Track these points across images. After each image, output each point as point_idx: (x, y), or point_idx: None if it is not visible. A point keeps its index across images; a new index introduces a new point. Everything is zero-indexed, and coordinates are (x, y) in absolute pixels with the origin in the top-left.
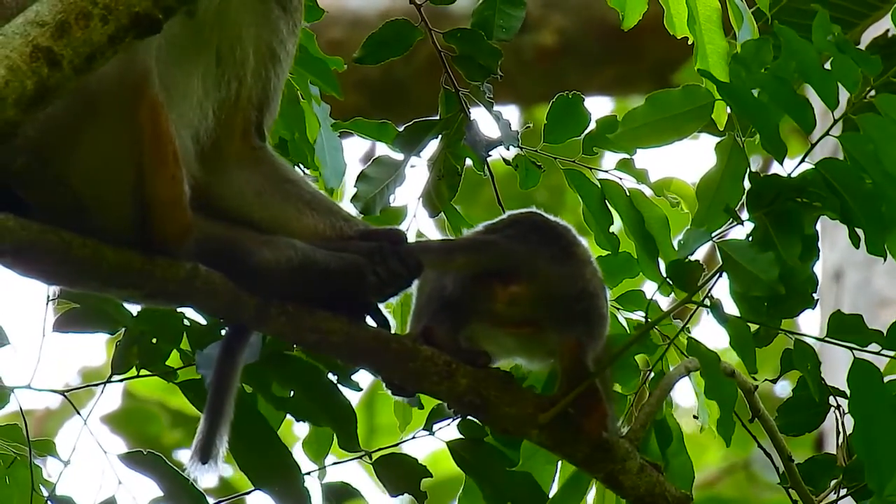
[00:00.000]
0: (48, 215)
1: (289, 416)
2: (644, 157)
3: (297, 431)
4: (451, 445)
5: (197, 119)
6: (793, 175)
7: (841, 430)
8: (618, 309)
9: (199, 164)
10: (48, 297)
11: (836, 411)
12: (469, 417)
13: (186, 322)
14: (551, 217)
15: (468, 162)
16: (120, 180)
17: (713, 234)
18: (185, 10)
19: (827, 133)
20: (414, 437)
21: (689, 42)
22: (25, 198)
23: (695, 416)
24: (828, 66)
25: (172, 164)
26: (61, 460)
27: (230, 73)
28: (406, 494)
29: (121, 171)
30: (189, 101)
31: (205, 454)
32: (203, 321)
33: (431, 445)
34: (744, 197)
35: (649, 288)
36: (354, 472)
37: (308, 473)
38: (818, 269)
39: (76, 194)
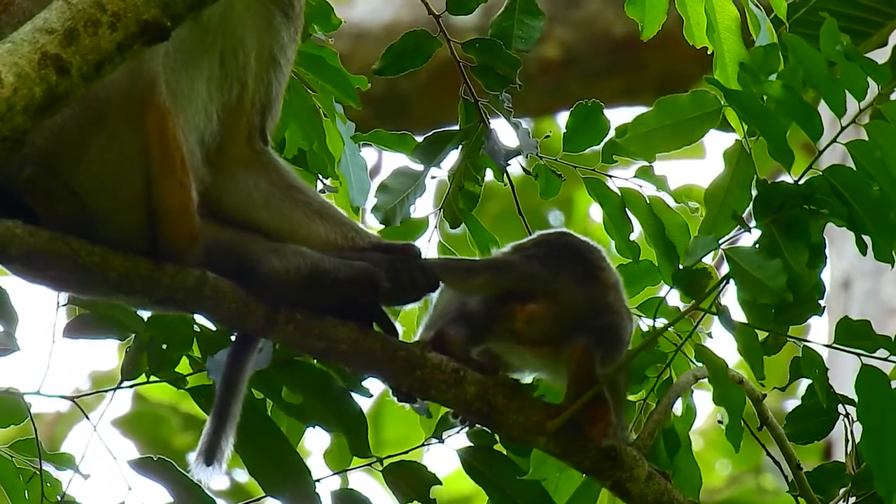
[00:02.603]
0: (57, 223)
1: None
2: (663, 164)
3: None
4: (461, 453)
5: (202, 122)
6: (800, 182)
7: (849, 437)
8: (640, 316)
9: (206, 169)
10: (58, 302)
11: (846, 419)
12: (478, 426)
13: (197, 328)
14: (581, 238)
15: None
16: (128, 188)
17: (722, 241)
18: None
19: (834, 140)
20: (423, 445)
21: (709, 52)
22: (34, 207)
23: (720, 422)
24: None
25: (180, 170)
26: (81, 474)
27: (233, 76)
28: (416, 502)
29: (129, 178)
30: (194, 105)
31: (210, 456)
32: (213, 327)
33: (449, 462)
34: (751, 204)
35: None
36: (363, 481)
37: (319, 480)
38: (826, 277)
39: (84, 203)
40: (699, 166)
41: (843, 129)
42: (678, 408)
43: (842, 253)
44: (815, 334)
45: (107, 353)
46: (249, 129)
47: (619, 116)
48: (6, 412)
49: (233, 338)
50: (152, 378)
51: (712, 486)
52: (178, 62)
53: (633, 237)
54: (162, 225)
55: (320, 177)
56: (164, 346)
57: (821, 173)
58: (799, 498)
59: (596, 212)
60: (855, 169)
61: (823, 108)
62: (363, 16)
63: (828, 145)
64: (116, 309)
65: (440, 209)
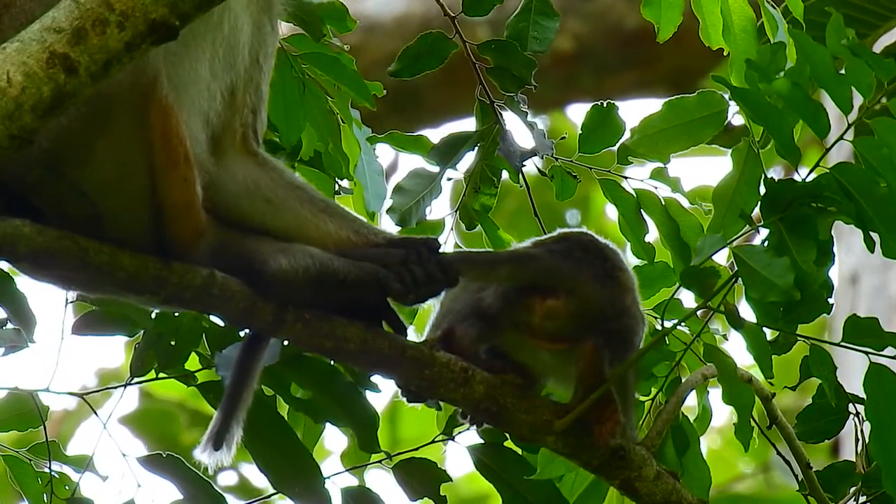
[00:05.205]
0: (65, 223)
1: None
2: (683, 162)
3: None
4: (472, 451)
5: (206, 103)
6: (807, 180)
7: (860, 436)
8: (655, 318)
9: (212, 158)
10: (67, 299)
11: (856, 418)
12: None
13: (205, 324)
14: (601, 239)
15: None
16: (135, 185)
17: (733, 240)
18: None
19: (841, 137)
20: (433, 442)
21: (725, 53)
22: (42, 207)
23: (734, 423)
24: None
25: (184, 165)
26: (99, 475)
27: (232, 60)
28: (426, 499)
29: (135, 176)
30: (197, 86)
31: (218, 441)
32: (222, 323)
33: (468, 460)
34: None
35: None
36: (380, 479)
37: (329, 477)
38: (834, 273)
39: (92, 202)
40: (721, 163)
41: (849, 126)
42: (693, 408)
43: (850, 248)
44: (834, 333)
45: (113, 350)
46: (244, 128)
47: (631, 109)
48: (21, 414)
49: (242, 333)
50: (161, 374)
51: (732, 482)
52: (181, 47)
53: (647, 239)
54: (167, 220)
55: (336, 178)
56: (173, 343)
57: (828, 171)
58: (809, 497)
59: (613, 210)
60: (862, 166)
61: (830, 106)
62: (375, 8)
63: (835, 142)
64: (125, 305)
65: (456, 210)
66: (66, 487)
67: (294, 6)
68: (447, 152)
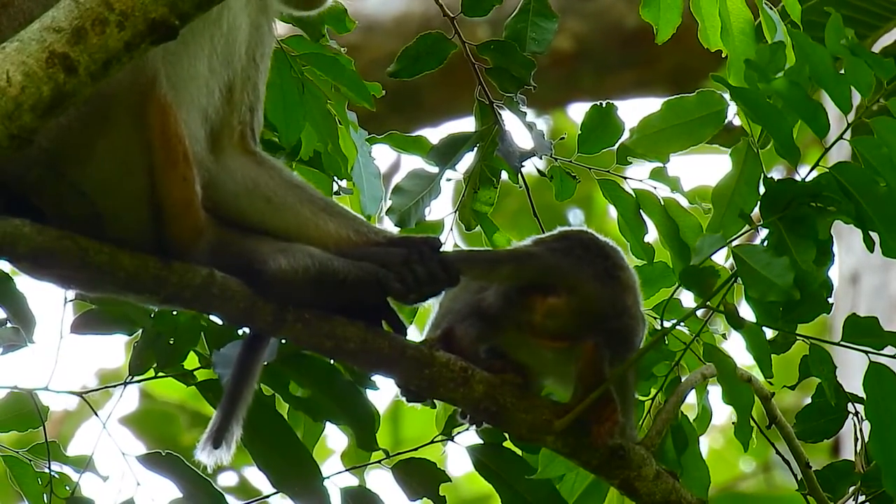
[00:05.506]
0: (66, 223)
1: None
2: (685, 160)
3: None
4: (472, 451)
5: (205, 99)
6: (807, 180)
7: (859, 436)
8: (655, 318)
9: (211, 156)
10: (66, 298)
11: (854, 417)
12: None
13: (204, 323)
14: (602, 237)
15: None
16: (133, 185)
17: (730, 240)
18: None
19: (840, 137)
20: (432, 442)
21: (724, 55)
22: (42, 207)
23: (734, 423)
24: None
25: (183, 164)
26: (100, 475)
27: (230, 57)
28: (426, 499)
29: (134, 175)
30: (196, 83)
31: (218, 439)
32: (221, 322)
33: (467, 462)
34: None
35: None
36: (382, 479)
37: (328, 477)
38: (834, 272)
39: (92, 202)
40: (720, 163)
41: (849, 125)
42: (693, 408)
43: (850, 247)
44: (835, 332)
45: (113, 350)
46: (242, 126)
47: (631, 109)
48: (21, 414)
49: (241, 332)
50: (160, 374)
51: (733, 482)
52: (179, 45)
53: (647, 239)
54: (167, 219)
55: (335, 178)
56: (172, 342)
57: (828, 170)
58: (808, 496)
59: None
60: (861, 165)
61: (830, 106)
62: (374, 8)
63: (834, 142)
64: (124, 305)
65: (456, 211)
66: (66, 487)
67: None
68: (446, 153)
